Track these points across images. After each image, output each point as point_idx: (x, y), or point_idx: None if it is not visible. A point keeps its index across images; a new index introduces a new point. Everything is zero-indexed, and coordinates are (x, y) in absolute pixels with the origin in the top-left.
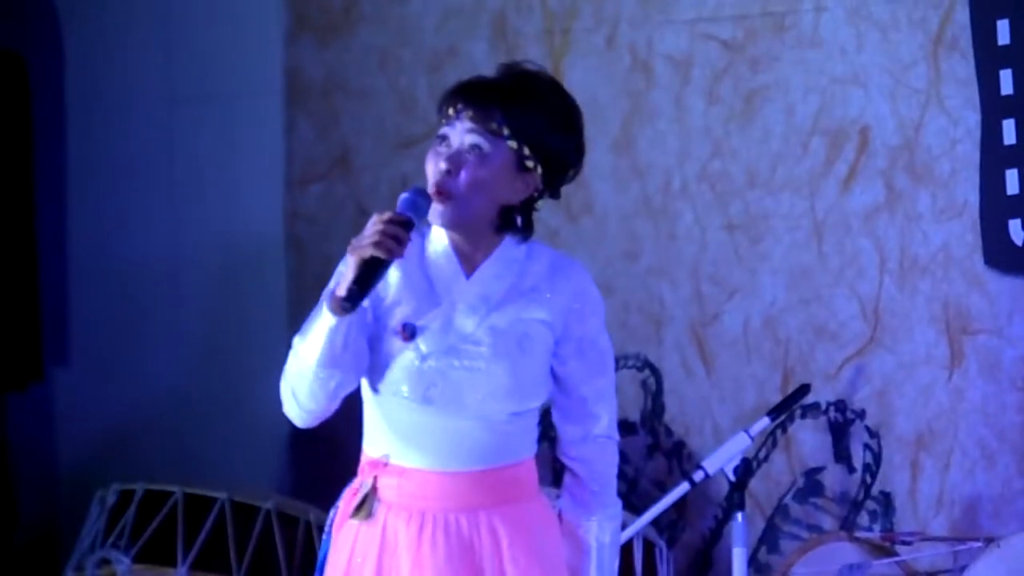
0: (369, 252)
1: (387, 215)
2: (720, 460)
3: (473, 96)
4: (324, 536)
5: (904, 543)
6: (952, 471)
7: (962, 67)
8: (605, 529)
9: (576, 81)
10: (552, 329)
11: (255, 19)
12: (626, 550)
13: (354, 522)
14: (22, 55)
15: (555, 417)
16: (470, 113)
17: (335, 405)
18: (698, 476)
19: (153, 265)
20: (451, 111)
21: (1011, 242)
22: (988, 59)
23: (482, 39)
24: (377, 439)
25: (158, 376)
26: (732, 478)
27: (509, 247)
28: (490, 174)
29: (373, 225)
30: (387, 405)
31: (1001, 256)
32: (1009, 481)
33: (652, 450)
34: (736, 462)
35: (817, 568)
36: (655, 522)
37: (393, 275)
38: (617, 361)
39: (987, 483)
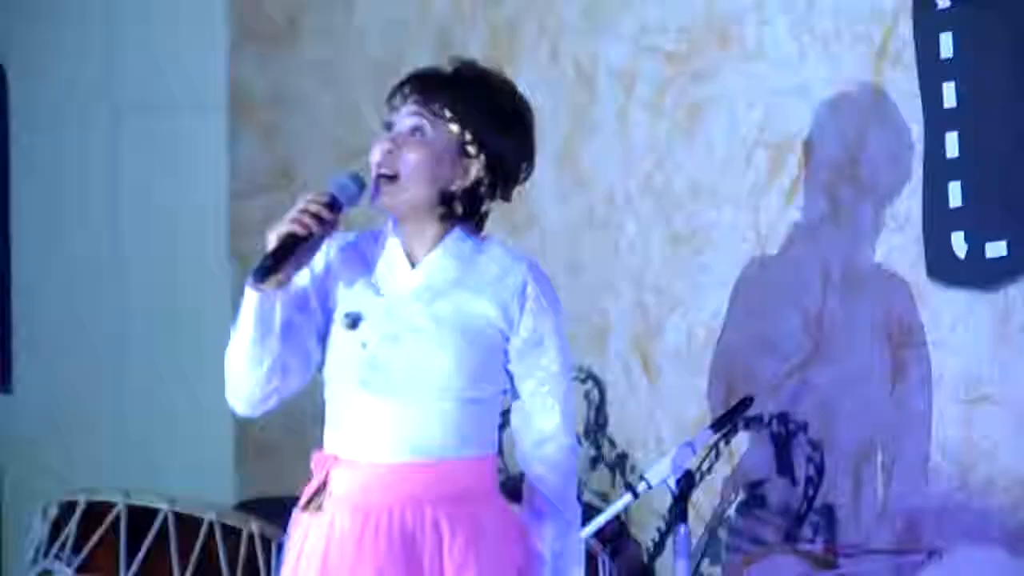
0: (284, 229)
1: (310, 195)
2: (663, 472)
3: (420, 83)
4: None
5: (847, 556)
6: (895, 483)
7: (905, 80)
8: (560, 537)
9: None
10: (497, 326)
11: (199, 30)
12: None
13: (305, 516)
14: None
15: (511, 421)
16: (415, 97)
17: (275, 394)
18: (641, 488)
19: (96, 277)
20: (398, 99)
21: (954, 255)
22: (931, 72)
23: (426, 51)
24: (331, 433)
25: (103, 389)
26: (675, 490)
27: (457, 240)
28: (430, 155)
29: (296, 207)
30: (337, 396)
31: (944, 269)
32: (951, 494)
33: (595, 462)
34: (679, 474)
35: None
36: (598, 533)
37: (341, 270)
38: None
39: (930, 496)
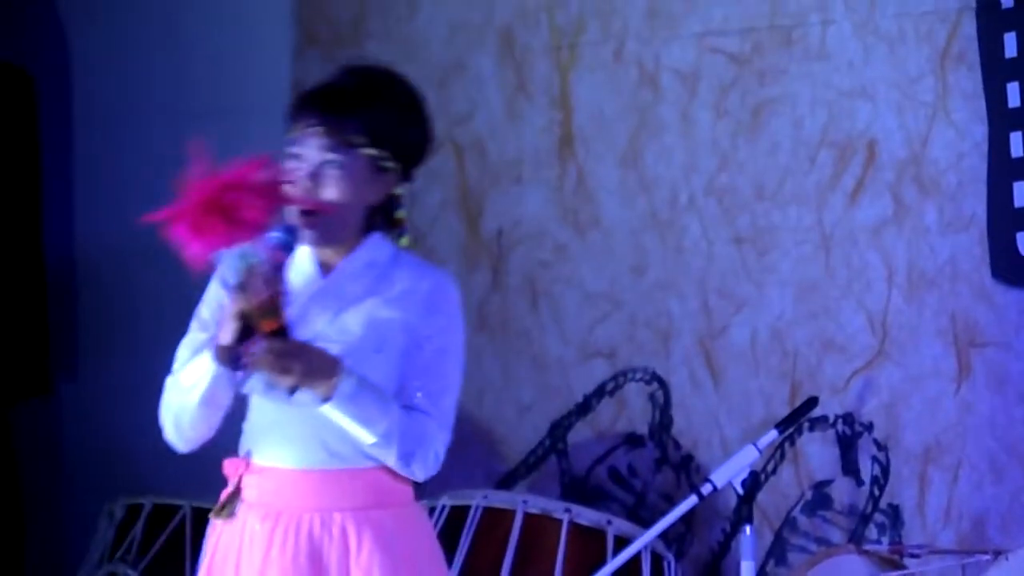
0: (248, 306)
1: (258, 270)
2: (728, 473)
3: (324, 110)
4: (204, 541)
5: (912, 556)
6: (960, 484)
7: (969, 80)
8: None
9: (583, 96)
10: (405, 329)
11: (263, 34)
12: (634, 563)
13: (219, 522)
14: (29, 71)
15: None
16: (323, 129)
17: (213, 430)
18: (706, 489)
19: (161, 280)
20: (302, 127)
21: (1018, 254)
22: (995, 72)
23: (489, 54)
24: (245, 438)
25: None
26: (740, 491)
27: (371, 248)
28: (351, 184)
29: (250, 278)
30: (251, 403)
31: (1008, 269)
32: (1017, 494)
33: (660, 463)
34: (744, 475)
35: None
36: (663, 535)
37: None
38: (625, 374)
39: (995, 496)
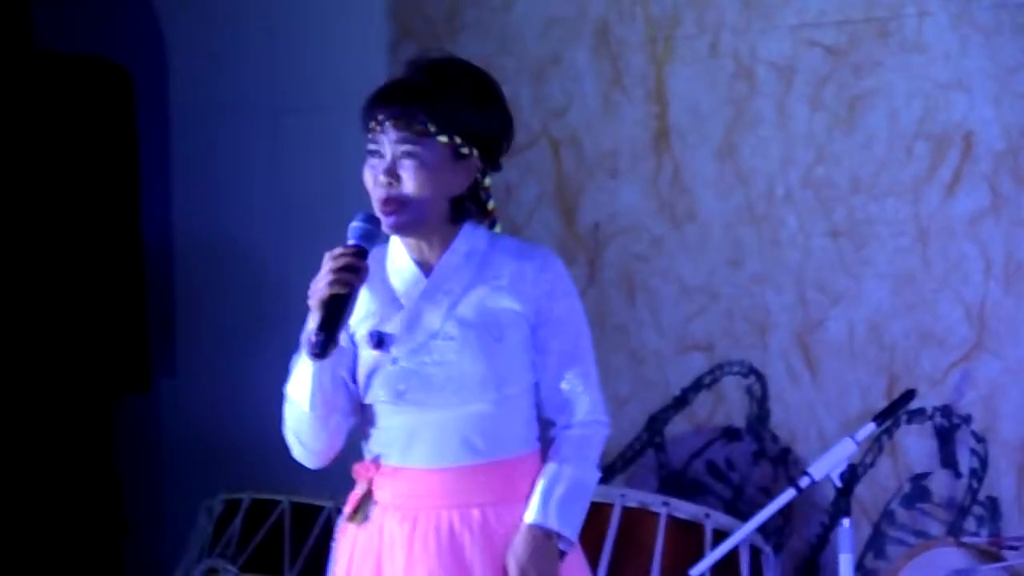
0: (327, 292)
1: (337, 251)
2: (826, 466)
3: (391, 103)
4: (333, 544)
5: (1011, 548)
6: None
7: None
8: (565, 473)
9: (679, 88)
10: (525, 317)
11: (359, 29)
12: (733, 557)
13: (352, 526)
14: (127, 68)
15: (543, 408)
16: (393, 122)
17: (342, 440)
18: (804, 482)
19: (259, 276)
20: (374, 124)
21: None
22: None
23: (585, 47)
24: (370, 443)
25: (264, 385)
26: (838, 484)
27: (467, 237)
28: (430, 173)
29: (325, 265)
30: (374, 410)
31: None
32: None
33: (758, 456)
34: (842, 468)
35: (924, 573)
36: (762, 528)
37: (360, 296)
38: (722, 368)
39: None
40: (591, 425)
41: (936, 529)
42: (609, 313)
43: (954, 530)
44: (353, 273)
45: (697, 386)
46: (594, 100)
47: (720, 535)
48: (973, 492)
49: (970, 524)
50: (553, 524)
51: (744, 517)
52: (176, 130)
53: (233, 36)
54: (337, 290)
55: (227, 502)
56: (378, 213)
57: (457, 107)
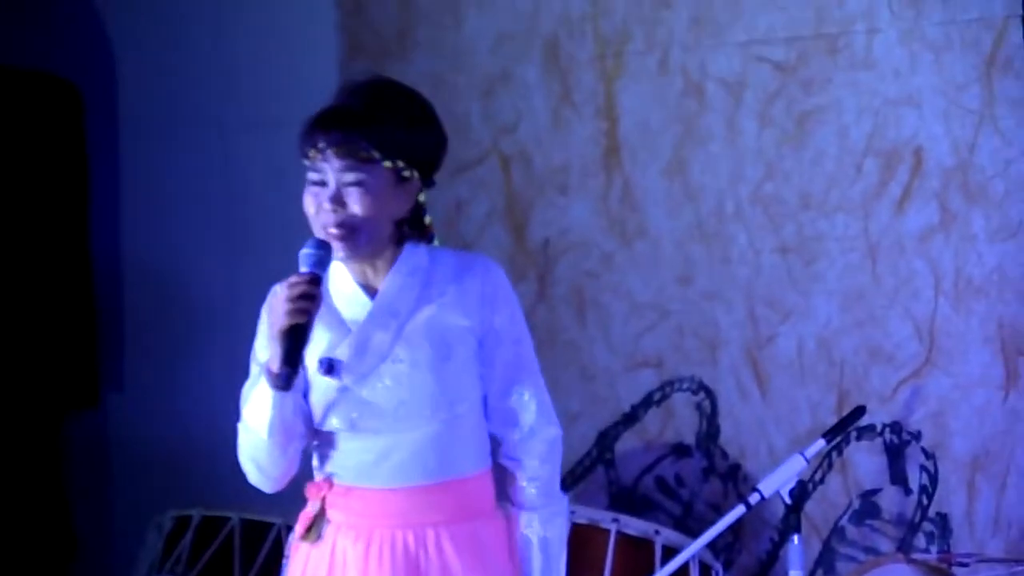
0: (287, 322)
1: (292, 279)
2: (776, 482)
3: (331, 130)
4: (284, 561)
5: (961, 564)
6: (1009, 492)
7: (1016, 87)
8: (548, 524)
9: (628, 105)
10: (472, 331)
11: (309, 46)
12: (682, 573)
13: (304, 544)
14: (76, 84)
15: (490, 423)
16: (335, 150)
17: (298, 463)
18: (754, 499)
19: (207, 292)
20: (314, 152)
21: None
22: None
23: (535, 63)
24: (322, 462)
25: (213, 401)
26: (788, 500)
27: (409, 256)
28: (375, 199)
29: (280, 296)
30: (325, 434)
31: None
32: None
33: (707, 473)
34: (792, 484)
35: None
36: (711, 545)
37: None
38: (672, 384)
39: None
40: (542, 431)
41: (886, 545)
42: (559, 329)
43: (904, 546)
44: (310, 301)
45: (647, 402)
46: (544, 116)
47: (670, 551)
48: (923, 508)
49: (920, 541)
50: None
51: (694, 534)
52: (125, 145)
53: (183, 51)
54: (296, 320)
55: (177, 519)
56: (327, 239)
57: (398, 131)
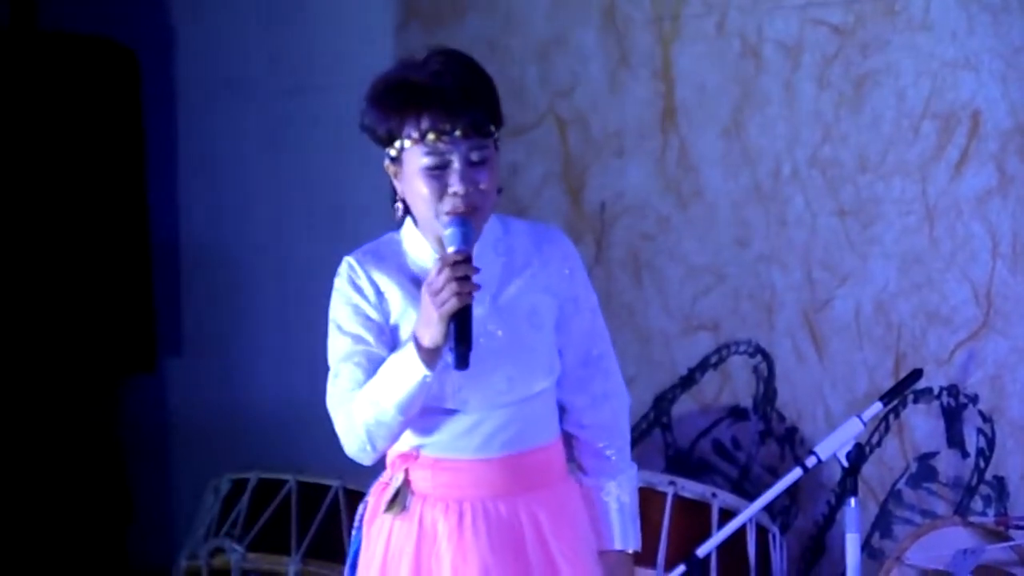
0: (457, 304)
1: (450, 259)
2: (833, 446)
3: (453, 113)
4: (354, 532)
5: (1018, 527)
6: None
7: None
8: (624, 489)
9: (685, 68)
10: (556, 302)
11: (364, 9)
12: (739, 536)
13: (387, 516)
14: (134, 50)
15: (559, 390)
16: (462, 130)
17: None
18: (811, 462)
19: (262, 256)
20: (433, 136)
21: None
22: None
23: (591, 27)
24: (410, 434)
25: (268, 365)
26: (845, 464)
27: (492, 230)
28: (495, 173)
29: (443, 276)
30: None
31: None
32: None
33: (764, 436)
34: (849, 447)
35: (931, 553)
36: (768, 508)
37: (394, 293)
38: (729, 347)
39: None
40: (615, 398)
41: (943, 509)
42: (615, 292)
43: (961, 510)
44: (470, 281)
45: (703, 366)
46: (600, 80)
47: (727, 514)
48: (980, 472)
49: (977, 504)
50: (633, 546)
51: (751, 497)
52: (182, 111)
53: (238, 16)
54: (466, 301)
55: (233, 481)
56: (464, 214)
57: (495, 102)
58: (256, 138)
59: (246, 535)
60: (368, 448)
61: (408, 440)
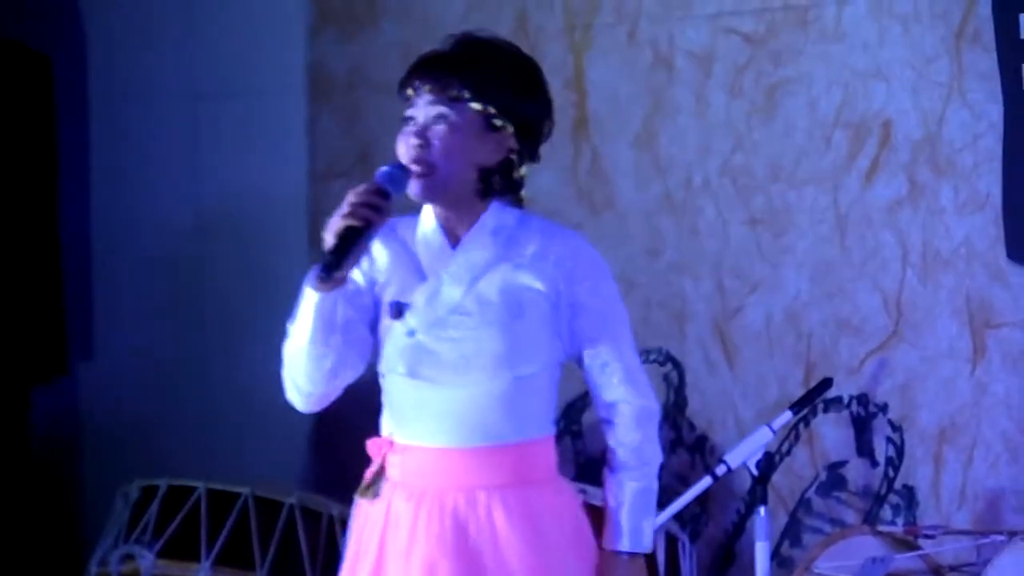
0: (341, 224)
1: (360, 188)
2: (743, 454)
3: (428, 71)
4: (350, 522)
5: (927, 536)
6: (975, 464)
7: (984, 60)
8: (624, 490)
9: (597, 77)
10: (546, 296)
11: (278, 14)
12: None
13: (364, 502)
14: (47, 55)
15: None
16: (428, 87)
17: (336, 389)
18: (720, 470)
19: (176, 260)
20: (410, 91)
21: None
22: (1010, 52)
23: (503, 34)
24: (386, 419)
25: (181, 370)
26: (755, 472)
27: (495, 214)
28: (460, 138)
29: (347, 198)
30: (390, 385)
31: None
32: None
33: (675, 444)
34: (759, 456)
35: (840, 562)
36: (678, 516)
37: (384, 258)
38: (640, 355)
39: (1010, 476)
40: (629, 400)
41: (852, 517)
42: None
43: (870, 519)
44: (371, 210)
45: None
46: None
47: None
48: (889, 481)
49: (886, 513)
50: (613, 546)
51: (660, 505)
52: (95, 115)
53: (153, 20)
54: (351, 222)
55: (144, 488)
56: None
57: (493, 79)
58: (169, 143)
59: (156, 542)
60: (292, 388)
61: (387, 426)
